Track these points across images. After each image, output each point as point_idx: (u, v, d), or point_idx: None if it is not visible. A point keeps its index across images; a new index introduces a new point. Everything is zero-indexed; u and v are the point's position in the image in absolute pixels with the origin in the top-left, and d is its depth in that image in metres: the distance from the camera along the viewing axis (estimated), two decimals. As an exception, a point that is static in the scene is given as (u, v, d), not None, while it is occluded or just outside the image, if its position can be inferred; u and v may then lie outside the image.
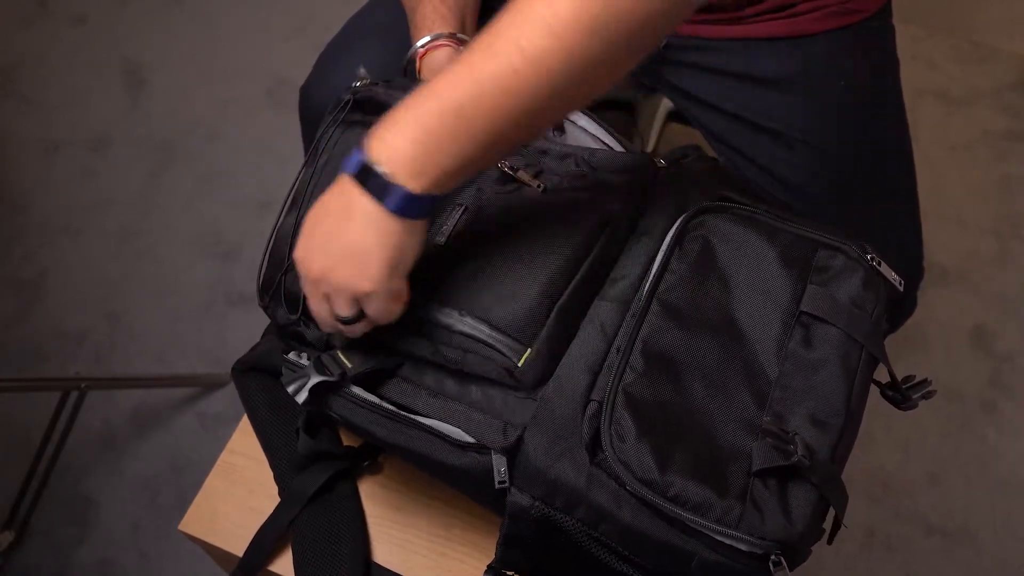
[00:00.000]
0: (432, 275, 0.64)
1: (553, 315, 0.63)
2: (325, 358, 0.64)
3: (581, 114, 0.76)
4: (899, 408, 0.67)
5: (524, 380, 0.61)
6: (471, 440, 0.61)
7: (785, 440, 0.58)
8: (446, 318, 0.63)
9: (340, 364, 0.64)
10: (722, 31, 0.84)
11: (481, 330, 0.62)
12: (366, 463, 0.77)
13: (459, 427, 0.62)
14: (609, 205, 0.69)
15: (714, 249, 0.67)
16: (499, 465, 0.60)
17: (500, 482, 0.59)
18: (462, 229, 0.66)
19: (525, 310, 0.62)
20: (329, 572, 0.71)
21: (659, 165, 0.74)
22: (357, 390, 0.64)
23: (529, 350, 0.61)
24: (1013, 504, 1.28)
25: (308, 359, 0.67)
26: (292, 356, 0.69)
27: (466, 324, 0.62)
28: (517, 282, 0.63)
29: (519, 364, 0.61)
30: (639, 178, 0.71)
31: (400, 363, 0.66)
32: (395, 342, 0.65)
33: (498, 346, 0.61)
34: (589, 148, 0.74)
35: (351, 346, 0.66)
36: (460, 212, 0.66)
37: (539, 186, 0.68)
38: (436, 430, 0.62)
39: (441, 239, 0.65)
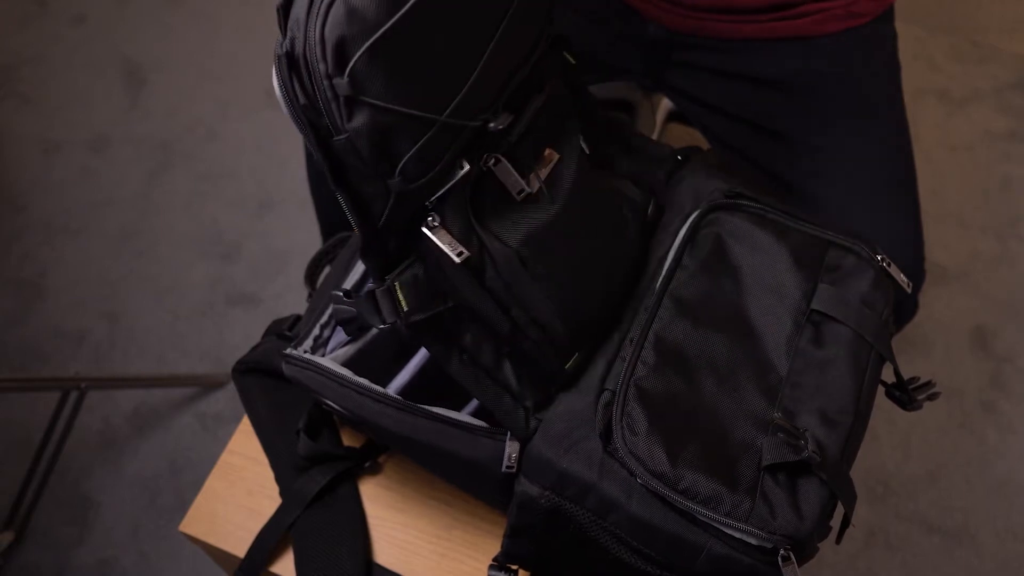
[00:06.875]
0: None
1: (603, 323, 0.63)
2: (381, 295, 0.56)
3: None
4: (904, 409, 0.68)
5: (559, 379, 0.62)
6: (482, 424, 0.60)
7: (796, 436, 0.58)
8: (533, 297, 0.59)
9: (397, 304, 0.56)
10: (724, 31, 0.84)
11: (556, 327, 0.60)
12: (367, 464, 0.76)
13: (487, 403, 0.60)
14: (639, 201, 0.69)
15: (726, 246, 0.67)
16: (511, 451, 0.59)
17: (508, 467, 0.59)
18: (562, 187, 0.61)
19: (590, 319, 0.63)
20: (330, 573, 0.71)
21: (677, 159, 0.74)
22: (363, 381, 0.64)
23: (577, 354, 0.62)
24: (1013, 504, 1.28)
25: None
26: (291, 350, 0.68)
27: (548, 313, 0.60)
28: (590, 283, 0.63)
29: (566, 367, 0.62)
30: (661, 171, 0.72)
31: (449, 305, 0.59)
32: (469, 295, 0.58)
33: (557, 344, 0.61)
34: None
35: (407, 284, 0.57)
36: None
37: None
38: (443, 416, 0.61)
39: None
